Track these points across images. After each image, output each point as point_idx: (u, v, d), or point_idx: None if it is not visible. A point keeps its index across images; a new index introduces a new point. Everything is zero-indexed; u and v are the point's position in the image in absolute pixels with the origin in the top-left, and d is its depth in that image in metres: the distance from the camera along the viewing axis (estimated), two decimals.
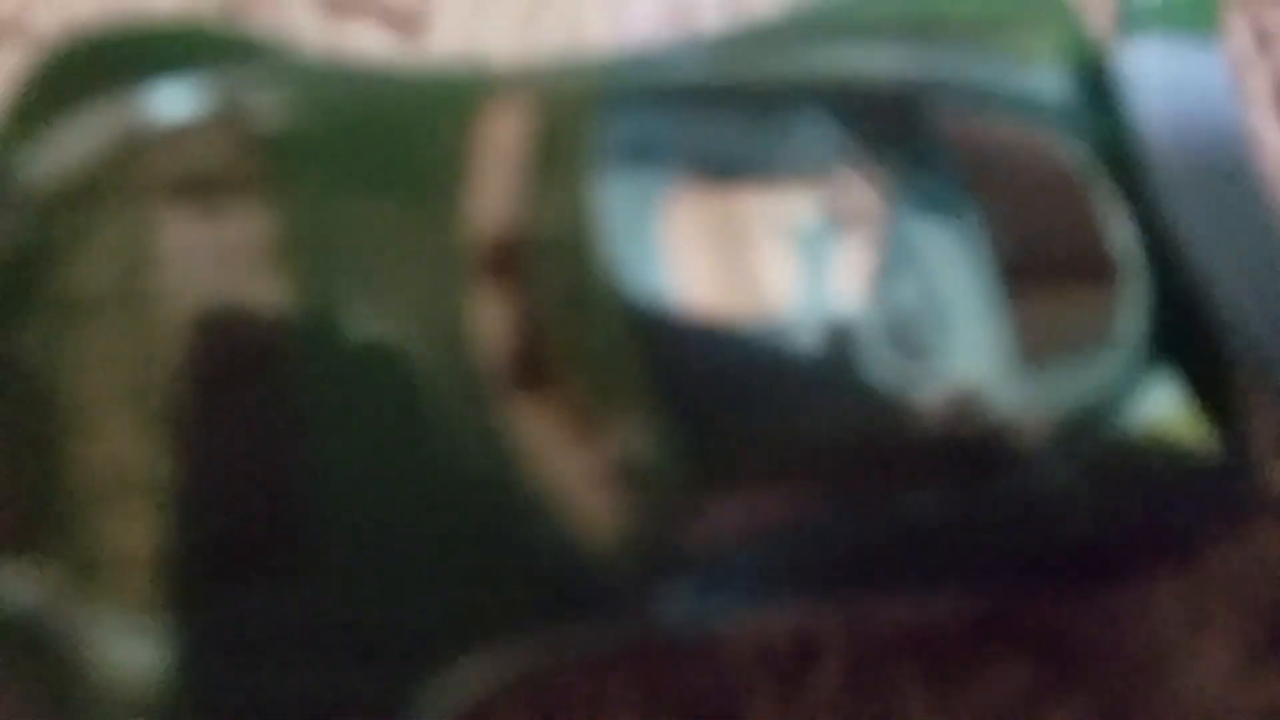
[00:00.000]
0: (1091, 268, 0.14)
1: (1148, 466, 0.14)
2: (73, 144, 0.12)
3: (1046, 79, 0.15)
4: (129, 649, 0.11)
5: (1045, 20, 0.15)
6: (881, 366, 0.12)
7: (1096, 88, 0.15)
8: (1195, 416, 0.14)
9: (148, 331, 0.11)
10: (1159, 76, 0.14)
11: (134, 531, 0.11)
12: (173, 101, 0.12)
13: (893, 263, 0.13)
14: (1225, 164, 0.14)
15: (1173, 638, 0.16)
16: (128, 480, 0.11)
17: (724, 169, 0.13)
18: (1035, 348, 0.13)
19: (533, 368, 0.12)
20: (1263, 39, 0.19)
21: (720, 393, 0.12)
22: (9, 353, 0.11)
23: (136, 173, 0.12)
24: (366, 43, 0.17)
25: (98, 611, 0.11)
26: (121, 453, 0.11)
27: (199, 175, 0.12)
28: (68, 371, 0.11)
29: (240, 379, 0.11)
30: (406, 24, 0.17)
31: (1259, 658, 0.16)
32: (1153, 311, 0.14)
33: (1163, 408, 0.14)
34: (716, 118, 0.13)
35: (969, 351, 0.13)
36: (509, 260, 0.12)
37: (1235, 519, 0.14)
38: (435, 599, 0.12)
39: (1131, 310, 0.14)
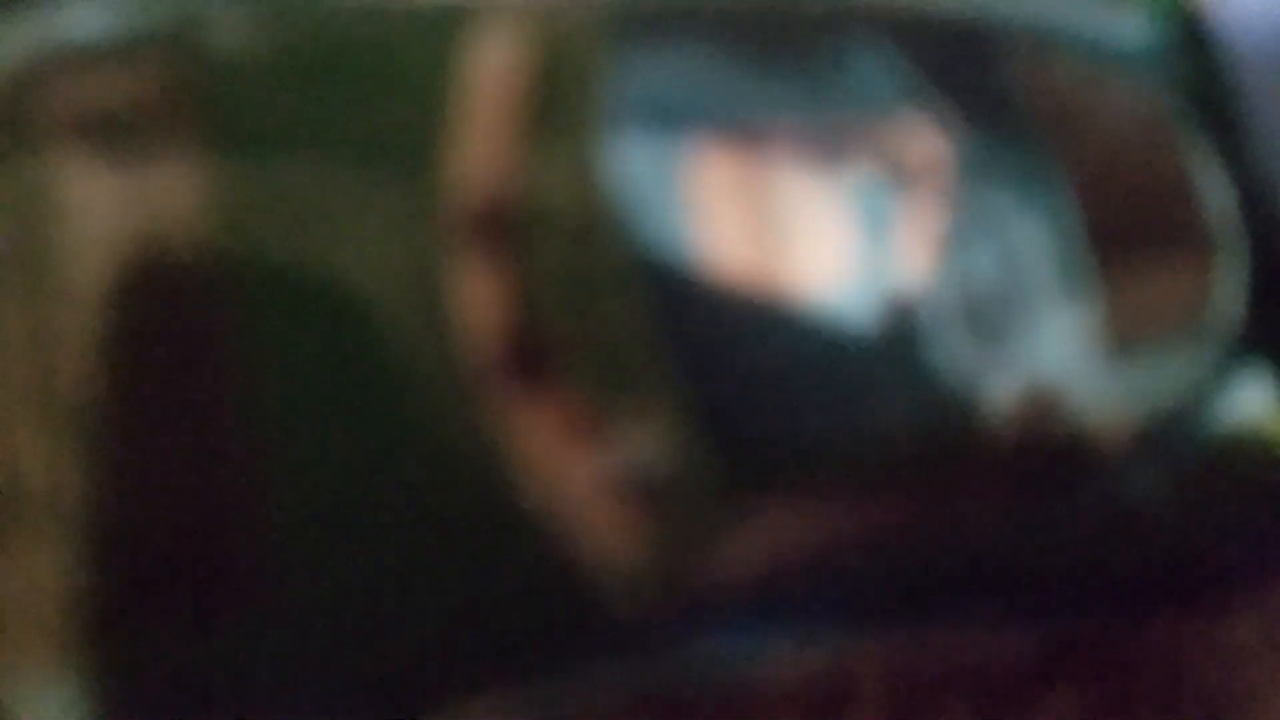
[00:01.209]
0: (1185, 237, 0.12)
1: (1243, 473, 0.12)
2: None
3: (1132, 19, 0.13)
4: (38, 705, 0.09)
5: None
6: (951, 353, 0.10)
7: (1188, 28, 0.13)
8: None
9: (50, 309, 0.09)
10: (1262, 15, 0.12)
11: (40, 562, 0.09)
12: (87, 18, 0.10)
13: (966, 228, 0.11)
14: None
15: (1252, 674, 0.14)
16: (30, 499, 0.09)
17: (764, 116, 0.11)
18: (1124, 333, 0.11)
19: (530, 357, 0.10)
20: None
21: (756, 387, 0.10)
22: None
23: (37, 108, 0.09)
24: None
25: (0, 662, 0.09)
26: (22, 464, 0.09)
27: (115, 112, 0.09)
28: None
29: (166, 368, 0.09)
30: None
31: None
32: (1251, 290, 0.12)
33: (1259, 404, 0.12)
34: (754, 52, 0.11)
35: (1052, 337, 0.11)
36: (501, 228, 0.10)
37: None
38: (410, 640, 0.09)
39: (1229, 289, 0.12)
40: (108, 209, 0.09)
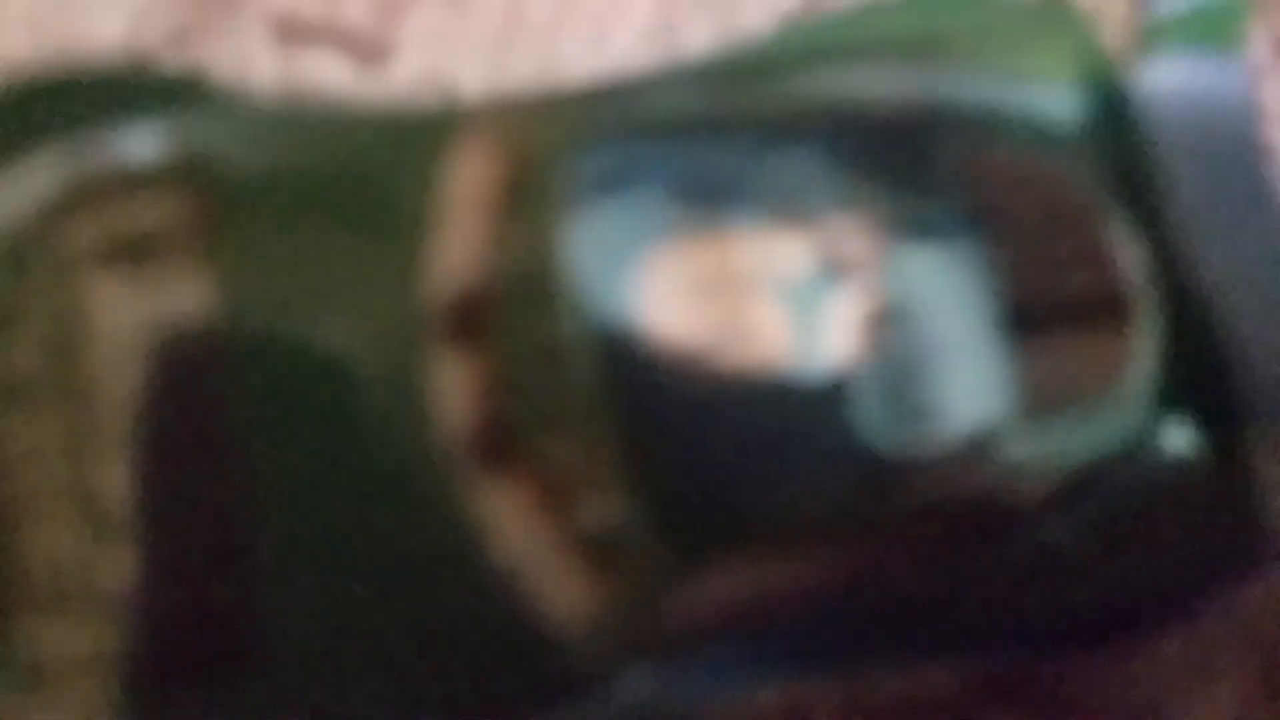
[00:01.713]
0: (1104, 307, 0.13)
1: (1159, 519, 0.13)
2: None
3: (1057, 98, 0.14)
4: None
5: (1056, 35, 0.14)
6: (879, 424, 0.12)
7: (1111, 107, 0.14)
8: (1207, 464, 0.13)
9: (82, 418, 0.10)
10: (1180, 95, 0.13)
11: (78, 636, 0.10)
12: (112, 151, 0.11)
13: (891, 311, 0.12)
14: (1250, 192, 0.13)
15: (1179, 685, 0.15)
16: (68, 581, 0.10)
17: (711, 210, 0.12)
18: (1044, 397, 0.12)
19: (501, 440, 0.11)
20: None
21: (703, 458, 0.11)
22: None
23: (68, 235, 0.11)
24: (325, 72, 0.15)
25: None
26: (60, 552, 0.10)
27: (135, 235, 0.11)
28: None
29: (183, 456, 0.11)
30: (368, 51, 0.15)
31: (1267, 701, 0.15)
32: (1167, 353, 0.13)
33: (1174, 456, 0.13)
34: (703, 153, 0.12)
35: (973, 404, 0.12)
36: (476, 319, 0.11)
37: (1248, 567, 0.14)
38: (395, 689, 0.11)
39: (1146, 353, 0.13)
40: (130, 321, 0.11)
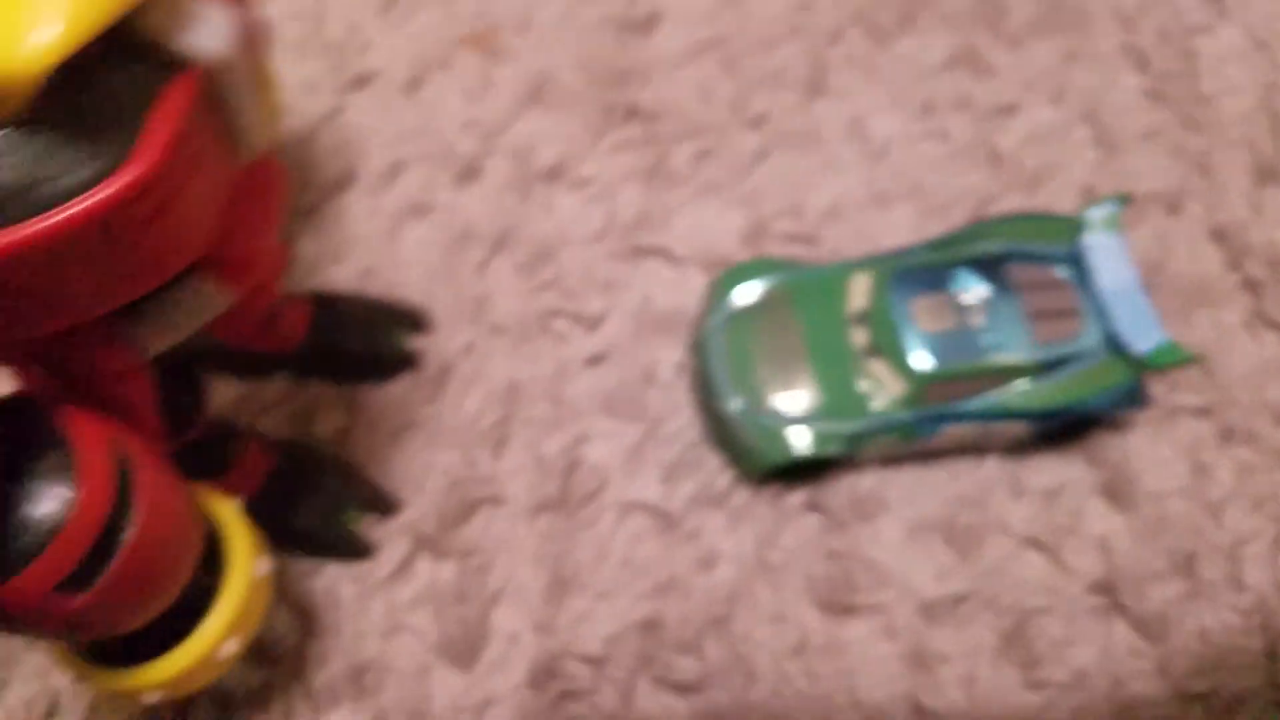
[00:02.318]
0: (1070, 315, 0.40)
1: None
2: (730, 303, 0.42)
3: (1063, 248, 0.42)
4: None
5: (1065, 228, 0.42)
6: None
7: (1075, 252, 0.41)
8: None
9: None
10: (1100, 247, 0.41)
11: None
12: (748, 290, 0.42)
13: (987, 315, 0.40)
14: (1126, 280, 0.40)
15: None
16: None
17: (931, 289, 0.41)
18: (1044, 343, 0.40)
19: None
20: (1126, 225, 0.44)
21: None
22: None
23: (741, 321, 0.42)
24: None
25: None
26: None
27: (761, 306, 0.42)
28: None
29: None
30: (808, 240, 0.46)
31: None
32: None
33: None
34: (929, 273, 0.42)
35: (1010, 348, 0.40)
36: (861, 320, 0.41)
37: None
38: None
39: (1091, 336, 0.40)
40: None
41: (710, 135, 0.46)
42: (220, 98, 0.21)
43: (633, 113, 0.46)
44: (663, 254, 0.45)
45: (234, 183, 0.24)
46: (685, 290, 0.44)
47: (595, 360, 0.44)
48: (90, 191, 0.18)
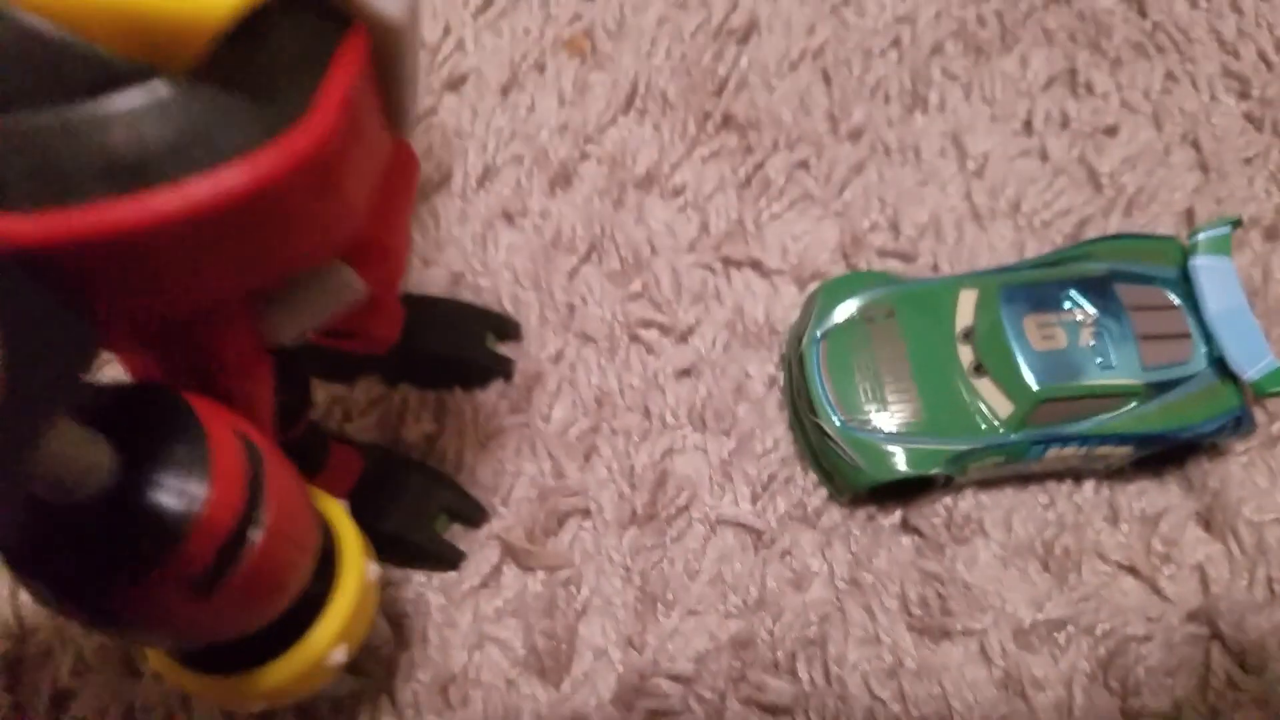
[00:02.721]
0: (1178, 338, 0.40)
1: None
2: (830, 316, 0.42)
3: (1169, 270, 0.41)
4: None
5: (1171, 249, 0.41)
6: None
7: (1185, 274, 0.41)
8: None
9: None
10: (1210, 269, 0.40)
11: None
12: (849, 304, 0.42)
13: (1096, 335, 0.39)
14: (1235, 304, 0.40)
15: None
16: None
17: (1041, 308, 0.40)
18: (1151, 363, 0.39)
19: None
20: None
21: None
22: None
23: (841, 335, 0.41)
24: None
25: None
26: None
27: (862, 320, 0.41)
28: None
29: None
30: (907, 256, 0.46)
31: None
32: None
33: None
34: (1038, 290, 0.41)
35: (1120, 368, 0.39)
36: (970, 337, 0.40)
37: None
38: None
39: (1199, 352, 0.39)
40: None
41: (807, 146, 0.45)
42: (386, 65, 0.20)
43: (728, 121, 0.46)
44: (755, 265, 0.44)
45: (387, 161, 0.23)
46: (778, 303, 0.44)
47: (685, 372, 0.43)
48: (258, 152, 0.17)
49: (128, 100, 0.16)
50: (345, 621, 0.28)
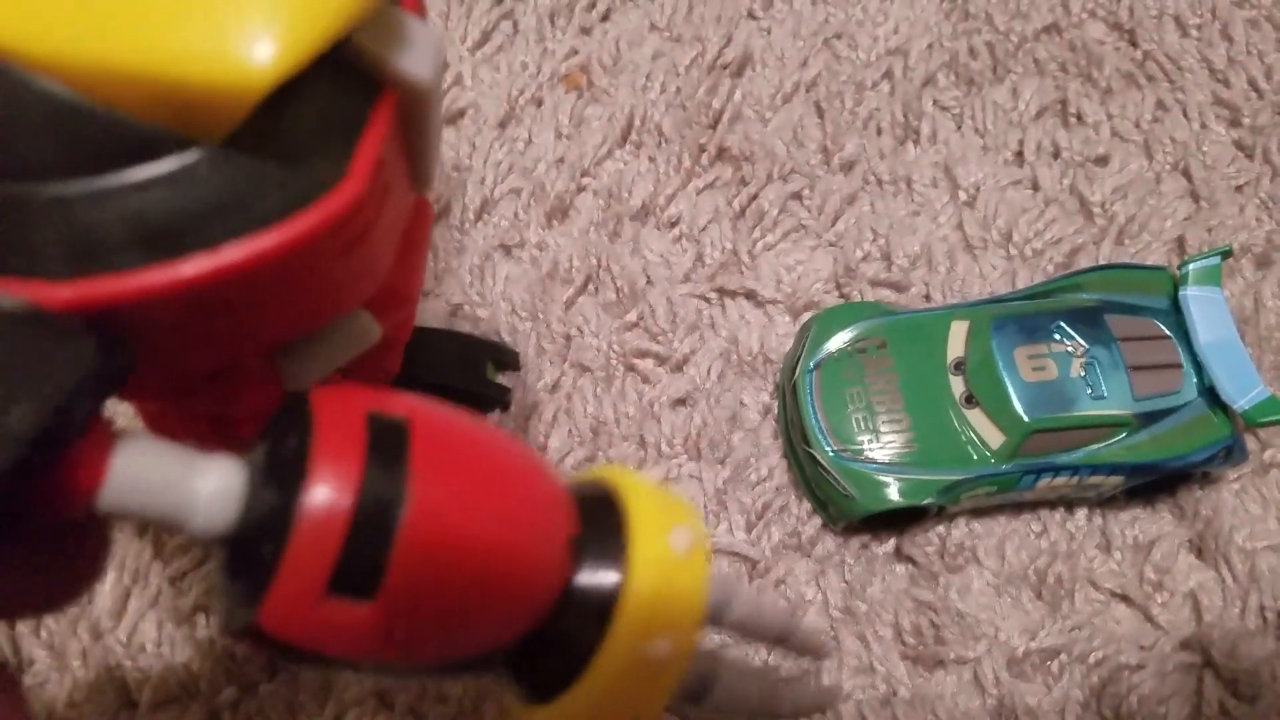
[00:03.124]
0: (1169, 368, 0.40)
1: None
2: (824, 346, 0.42)
3: (1159, 300, 0.41)
4: None
5: (1161, 280, 0.41)
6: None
7: (1175, 304, 0.41)
8: None
9: None
10: (1200, 299, 0.41)
11: None
12: (842, 335, 0.42)
13: (1087, 366, 0.40)
14: (1226, 334, 0.40)
15: None
16: None
17: (1031, 339, 0.41)
18: (1139, 389, 0.40)
19: None
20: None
21: None
22: None
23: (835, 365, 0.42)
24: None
25: None
26: None
27: (855, 350, 0.41)
28: None
29: None
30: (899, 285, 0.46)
31: None
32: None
33: None
34: (1029, 321, 0.41)
35: (1113, 398, 0.39)
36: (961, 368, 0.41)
37: None
38: None
39: (1187, 382, 0.40)
40: None
41: (800, 178, 0.46)
42: (412, 125, 0.20)
43: (723, 154, 0.46)
44: (750, 295, 0.45)
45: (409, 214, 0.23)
46: (772, 332, 0.44)
47: (680, 401, 0.44)
48: (292, 219, 0.17)
49: (159, 168, 0.16)
50: (645, 607, 0.21)
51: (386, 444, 0.19)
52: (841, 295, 0.45)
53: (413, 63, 0.18)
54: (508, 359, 0.43)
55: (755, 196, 0.45)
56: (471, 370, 0.42)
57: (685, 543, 0.22)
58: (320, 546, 0.17)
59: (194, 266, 0.16)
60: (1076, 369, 0.39)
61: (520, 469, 0.21)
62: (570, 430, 0.43)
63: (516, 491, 0.21)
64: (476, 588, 0.20)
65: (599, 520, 0.22)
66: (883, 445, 0.40)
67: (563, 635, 0.21)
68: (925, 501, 0.39)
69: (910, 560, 0.41)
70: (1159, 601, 0.41)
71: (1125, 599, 0.41)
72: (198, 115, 0.16)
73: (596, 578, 0.21)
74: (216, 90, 0.15)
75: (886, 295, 0.45)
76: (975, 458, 0.39)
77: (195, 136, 0.16)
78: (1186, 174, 0.46)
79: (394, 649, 0.19)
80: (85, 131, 0.16)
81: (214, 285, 0.17)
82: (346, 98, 0.18)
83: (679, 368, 0.44)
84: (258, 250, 0.17)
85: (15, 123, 0.15)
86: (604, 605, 0.21)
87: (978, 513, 0.42)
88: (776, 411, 0.43)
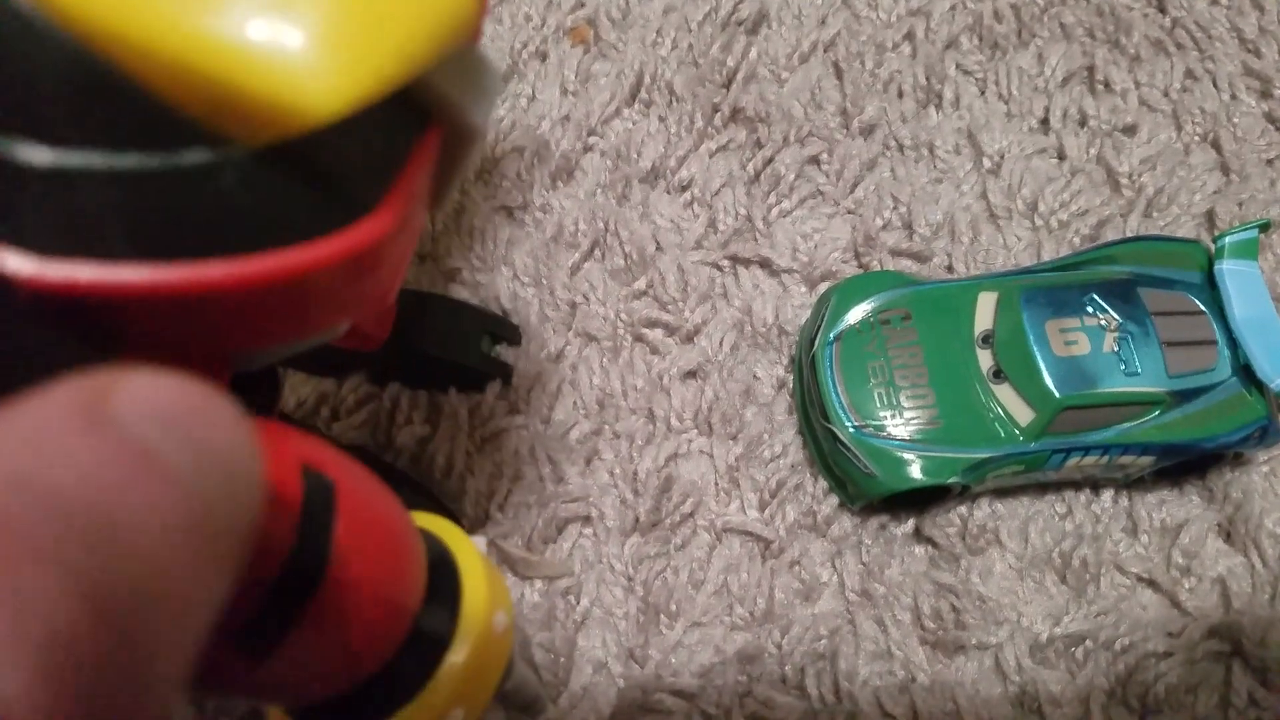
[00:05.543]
0: (1204, 344, 0.38)
1: None
2: (844, 318, 0.40)
3: (1192, 274, 0.39)
4: None
5: (1195, 253, 0.40)
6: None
7: (1209, 278, 0.39)
8: None
9: None
10: (1237, 274, 0.39)
11: None
12: (864, 306, 0.40)
13: (1120, 341, 0.38)
14: (1263, 310, 0.38)
15: None
16: None
17: (1063, 312, 0.39)
18: (1173, 363, 0.38)
19: None
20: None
21: None
22: None
23: (855, 338, 0.40)
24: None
25: None
26: None
27: (878, 322, 0.39)
28: None
29: None
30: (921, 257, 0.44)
31: None
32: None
33: None
34: (1060, 294, 0.39)
35: (1147, 373, 0.38)
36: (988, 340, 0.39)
37: None
38: None
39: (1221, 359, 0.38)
40: None
41: (818, 141, 0.44)
42: (449, 156, 0.19)
43: (737, 114, 0.44)
44: (765, 264, 0.43)
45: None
46: (788, 303, 0.42)
47: (691, 373, 0.41)
48: (317, 242, 0.16)
49: (182, 160, 0.15)
50: (463, 680, 0.23)
51: (315, 509, 0.19)
52: (860, 265, 0.43)
53: (478, 111, 0.17)
54: (508, 332, 0.41)
55: (771, 160, 0.43)
56: (467, 342, 0.40)
57: (503, 625, 0.24)
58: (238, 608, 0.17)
59: (188, 274, 0.15)
60: (1109, 344, 0.37)
61: (391, 512, 0.22)
62: (575, 402, 0.41)
63: (400, 560, 0.22)
64: (358, 645, 0.20)
65: (438, 587, 0.23)
66: (905, 421, 0.38)
67: (391, 680, 0.22)
68: (949, 481, 0.37)
69: (930, 541, 0.40)
70: (1186, 587, 0.40)
71: (1152, 584, 0.40)
72: (241, 121, 0.14)
73: (422, 647, 0.23)
74: (275, 106, 0.14)
75: (907, 265, 0.43)
76: (1002, 435, 0.37)
77: (228, 137, 0.15)
78: (1216, 146, 0.45)
79: (286, 691, 0.20)
80: (110, 103, 0.14)
81: (206, 296, 0.15)
82: (394, 128, 0.17)
83: (690, 338, 0.42)
84: (273, 267, 0.15)
85: (34, 77, 0.14)
86: (421, 676, 0.22)
87: (1000, 493, 0.40)
88: (792, 385, 0.41)
